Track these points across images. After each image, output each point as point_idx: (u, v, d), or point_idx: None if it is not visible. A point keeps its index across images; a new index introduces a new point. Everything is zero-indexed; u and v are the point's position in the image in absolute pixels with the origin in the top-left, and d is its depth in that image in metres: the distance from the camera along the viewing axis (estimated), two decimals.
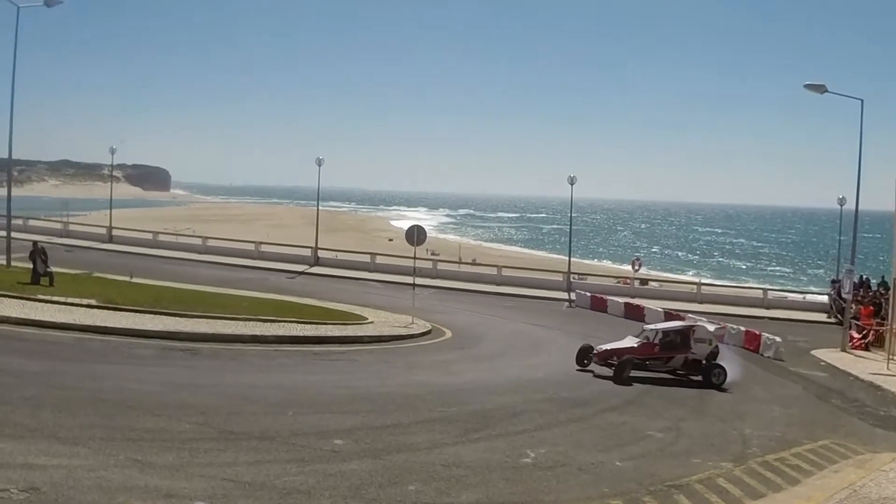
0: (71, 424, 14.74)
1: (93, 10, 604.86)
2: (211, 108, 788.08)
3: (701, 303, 56.15)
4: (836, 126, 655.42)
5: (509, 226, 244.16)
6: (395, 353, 30.36)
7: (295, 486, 12.85)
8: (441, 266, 65.33)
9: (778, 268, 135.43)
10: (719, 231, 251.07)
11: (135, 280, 41.38)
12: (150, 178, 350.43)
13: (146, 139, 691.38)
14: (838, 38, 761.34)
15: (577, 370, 29.78)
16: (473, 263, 75.29)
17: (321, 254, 67.41)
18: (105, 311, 29.52)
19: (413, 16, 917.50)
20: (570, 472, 15.97)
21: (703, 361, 30.23)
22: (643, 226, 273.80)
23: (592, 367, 29.71)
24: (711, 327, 32.61)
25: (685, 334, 30.71)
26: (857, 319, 42.54)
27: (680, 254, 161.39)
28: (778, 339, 38.51)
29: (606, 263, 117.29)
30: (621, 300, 52.47)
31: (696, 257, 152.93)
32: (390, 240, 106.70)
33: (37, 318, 26.46)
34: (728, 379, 29.65)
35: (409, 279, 45.31)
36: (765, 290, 63.46)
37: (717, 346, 31.26)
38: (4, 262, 41.46)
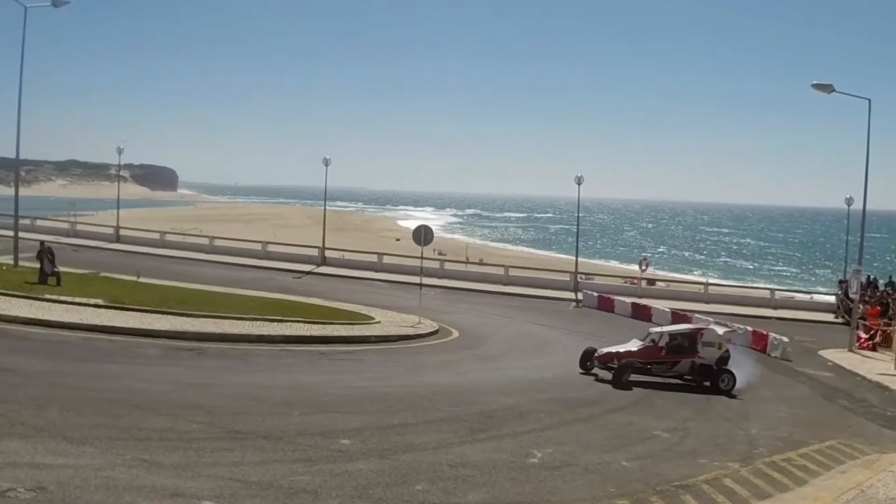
0: (78, 424, 14.76)
1: (99, 11, 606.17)
2: (218, 108, 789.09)
3: (708, 303, 56.10)
4: (843, 126, 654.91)
5: (516, 226, 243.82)
6: (401, 353, 30.37)
7: (301, 485, 12.85)
8: (448, 266, 65.35)
9: (785, 268, 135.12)
10: (726, 231, 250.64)
11: (142, 280, 41.45)
12: (157, 177, 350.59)
13: (153, 139, 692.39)
14: (844, 39, 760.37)
15: (581, 373, 29.20)
16: (480, 263, 75.22)
17: (328, 253, 67.42)
18: (112, 310, 29.57)
19: (419, 16, 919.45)
20: (577, 472, 15.96)
21: (713, 366, 29.05)
22: (650, 226, 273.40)
23: (596, 370, 29.16)
24: (721, 330, 31.29)
25: (692, 337, 29.63)
26: (865, 319, 42.47)
27: (686, 254, 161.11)
28: (785, 339, 38.46)
29: (613, 263, 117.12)
30: (628, 300, 52.41)
31: (703, 257, 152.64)
32: (397, 240, 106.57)
33: (44, 317, 26.51)
34: (741, 384, 28.75)
35: (415, 279, 45.36)
36: (772, 290, 63.32)
37: (727, 351, 29.73)
38: (12, 262, 41.52)
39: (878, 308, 43.31)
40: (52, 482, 11.36)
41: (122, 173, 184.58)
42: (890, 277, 50.59)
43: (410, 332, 34.85)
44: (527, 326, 42.24)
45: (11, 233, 45.21)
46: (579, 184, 62.34)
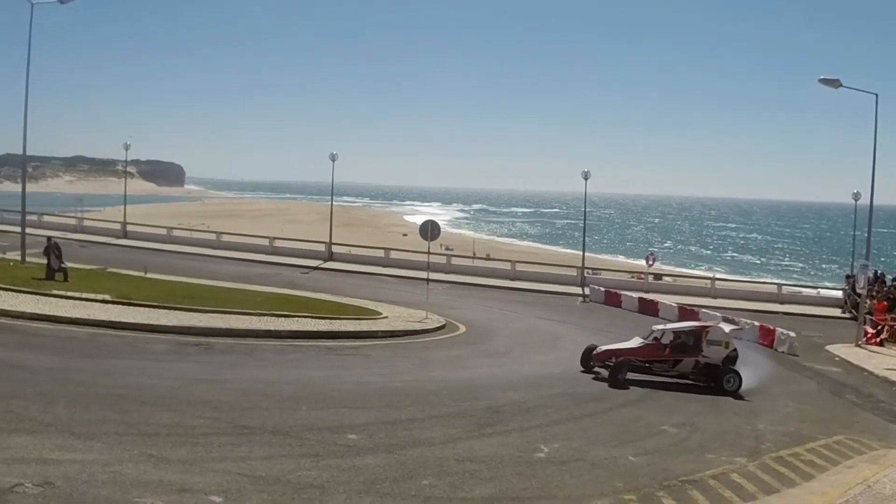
0: (85, 419, 14.80)
1: (106, 9, 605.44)
2: (225, 104, 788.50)
3: (715, 298, 56.02)
4: (849, 122, 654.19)
5: (523, 221, 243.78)
6: (409, 348, 30.37)
7: (309, 480, 12.87)
8: (455, 261, 65.23)
9: (792, 263, 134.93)
10: (733, 226, 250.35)
11: (149, 275, 41.47)
12: (164, 173, 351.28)
13: (160, 135, 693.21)
14: (849, 36, 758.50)
15: (581, 371, 28.27)
16: (487, 258, 75.24)
17: (335, 249, 67.39)
18: (119, 306, 29.60)
19: (421, 16, 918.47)
20: (584, 466, 15.97)
21: (719, 366, 27.77)
22: (656, 220, 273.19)
23: (597, 368, 28.13)
24: (728, 328, 30.12)
25: (697, 335, 28.43)
26: (872, 315, 42.39)
27: (693, 248, 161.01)
28: (792, 334, 38.38)
29: (620, 258, 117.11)
30: (635, 295, 52.35)
31: (710, 252, 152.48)
32: (404, 235, 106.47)
33: (51, 313, 26.53)
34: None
35: (423, 274, 45.39)
36: (779, 284, 63.12)
37: (734, 350, 28.28)
38: (19, 258, 41.55)
39: (886, 303, 43.22)
40: (59, 477, 11.39)
41: (128, 169, 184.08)
42: None
43: (417, 327, 34.84)
44: (534, 321, 42.23)
45: (19, 229, 45.22)
46: (586, 179, 62.40)
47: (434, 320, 36.59)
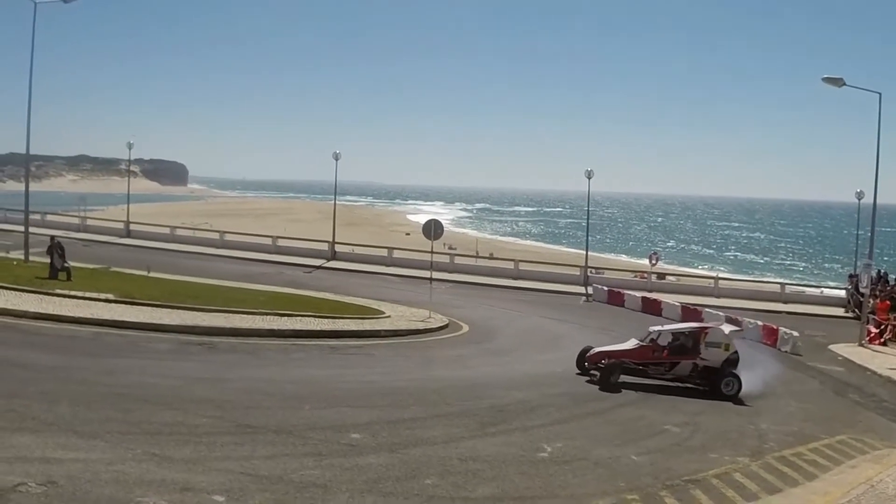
0: (88, 418, 14.82)
1: (109, 7, 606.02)
2: (227, 103, 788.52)
3: (718, 297, 55.99)
4: (853, 121, 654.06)
5: (526, 220, 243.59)
6: (412, 348, 30.36)
7: (312, 479, 12.89)
8: (458, 260, 65.19)
9: (795, 262, 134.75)
10: (736, 225, 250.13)
11: (152, 274, 41.52)
12: (168, 172, 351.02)
13: (163, 134, 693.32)
14: (853, 34, 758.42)
15: (577, 374, 27.22)
16: (490, 258, 75.14)
17: (338, 248, 67.35)
18: (122, 305, 29.61)
19: (429, 13, 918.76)
20: (587, 466, 15.98)
21: (719, 369, 26.69)
22: (659, 220, 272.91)
23: (594, 371, 27.11)
24: (727, 329, 28.63)
25: (694, 337, 27.34)
26: (875, 314, 42.35)
27: (695, 248, 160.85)
28: (795, 333, 38.32)
29: (623, 258, 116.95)
30: (638, 294, 52.26)
31: (713, 251, 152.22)
32: (407, 234, 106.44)
33: (54, 312, 26.55)
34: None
35: (426, 273, 45.39)
36: (782, 284, 63.00)
37: (735, 353, 27.11)
38: (22, 257, 41.59)
39: (889, 302, 43.18)
40: (62, 476, 11.40)
41: (132, 168, 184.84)
42: None
43: (421, 326, 34.83)
44: (537, 321, 42.21)
45: (22, 228, 45.33)
46: (589, 178, 62.32)
47: (437, 319, 36.59)
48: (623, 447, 18.07)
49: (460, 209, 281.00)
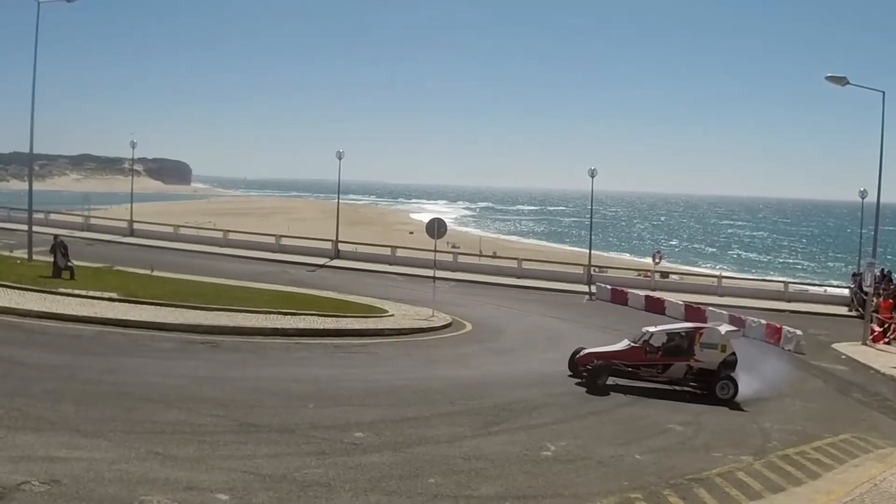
0: (92, 417, 14.83)
1: (112, 7, 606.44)
2: (232, 102, 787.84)
3: (721, 296, 55.82)
4: (857, 119, 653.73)
5: (529, 219, 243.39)
6: (415, 346, 30.34)
7: (315, 478, 12.89)
8: (461, 259, 65.13)
9: (798, 261, 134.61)
10: (739, 224, 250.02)
11: (156, 273, 41.51)
12: (171, 171, 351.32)
13: (167, 133, 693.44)
14: (857, 32, 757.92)
15: (569, 375, 26.47)
16: (494, 256, 75.04)
17: (341, 247, 67.28)
18: (126, 304, 29.61)
19: (433, 12, 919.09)
20: (590, 465, 15.99)
21: (716, 371, 25.85)
22: (663, 218, 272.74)
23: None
24: (724, 329, 27.42)
25: (689, 338, 26.45)
26: (878, 313, 42.30)
27: (698, 246, 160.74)
28: (799, 332, 38.28)
29: (626, 256, 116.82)
30: (642, 293, 52.21)
31: (716, 250, 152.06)
32: (411, 233, 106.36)
33: (58, 311, 26.57)
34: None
35: (429, 272, 45.31)
36: (785, 282, 63.02)
37: (733, 354, 26.15)
38: (26, 256, 41.61)
39: (892, 301, 43.10)
40: (65, 475, 11.42)
41: (135, 167, 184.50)
42: None
43: (424, 325, 34.80)
44: (540, 319, 42.20)
45: (25, 227, 45.36)
46: (593, 177, 62.08)
47: (440, 318, 36.57)
48: (626, 446, 18.08)
49: (463, 208, 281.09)
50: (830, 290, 64.73)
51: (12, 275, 32.93)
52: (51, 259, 36.00)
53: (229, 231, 72.57)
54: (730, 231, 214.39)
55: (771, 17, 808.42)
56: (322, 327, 30.61)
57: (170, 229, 73.18)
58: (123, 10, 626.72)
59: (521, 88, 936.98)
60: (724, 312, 43.59)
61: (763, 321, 41.35)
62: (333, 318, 32.55)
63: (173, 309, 29.73)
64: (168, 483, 11.77)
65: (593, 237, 70.57)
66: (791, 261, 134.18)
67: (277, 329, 28.97)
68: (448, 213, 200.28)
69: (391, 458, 14.68)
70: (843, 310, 53.59)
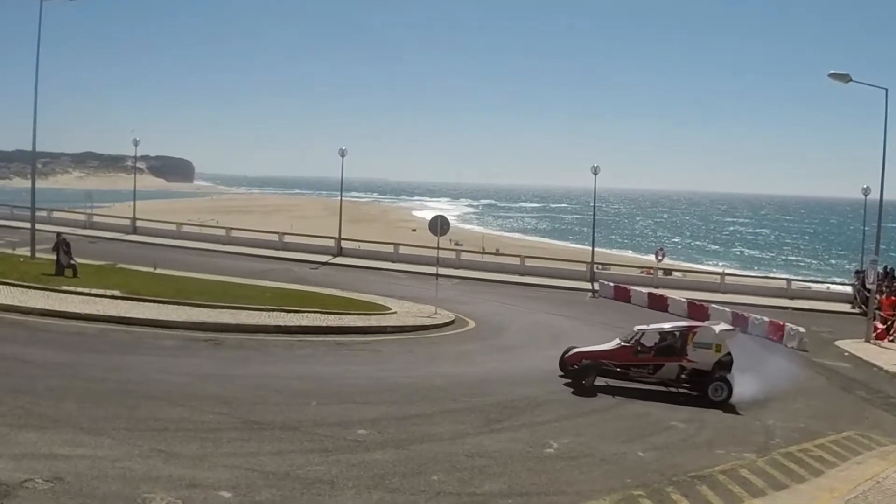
0: (95, 415, 14.85)
1: (115, 5, 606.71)
2: (234, 101, 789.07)
3: (724, 293, 55.77)
4: (860, 116, 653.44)
5: (531, 216, 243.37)
6: (418, 344, 30.34)
7: (318, 475, 12.91)
8: (464, 256, 65.19)
9: (801, 258, 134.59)
10: (742, 221, 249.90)
11: (158, 271, 41.53)
12: (174, 169, 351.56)
13: (170, 131, 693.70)
14: (860, 29, 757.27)
15: (560, 375, 25.53)
16: (497, 254, 75.09)
17: (344, 244, 67.31)
18: (129, 301, 29.61)
19: (435, 10, 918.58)
20: (593, 462, 16.01)
21: (710, 372, 24.81)
22: (665, 216, 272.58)
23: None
24: (718, 328, 26.32)
25: (682, 337, 25.41)
26: (881, 310, 42.24)
27: (699, 243, 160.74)
28: (801, 329, 38.24)
29: (629, 253, 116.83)
30: (645, 290, 52.18)
31: (719, 247, 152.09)
32: (413, 230, 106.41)
33: (61, 309, 26.58)
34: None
35: (432, 269, 45.29)
36: (788, 280, 63.02)
37: (728, 354, 25.10)
38: (29, 254, 41.62)
39: (894, 298, 43.03)
40: (69, 473, 11.44)
41: (138, 165, 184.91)
42: None
43: (427, 322, 34.79)
44: (543, 317, 42.16)
45: (28, 225, 45.29)
46: (595, 174, 61.97)
47: (443, 315, 36.54)
48: (629, 443, 18.11)
49: (466, 205, 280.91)
50: (833, 287, 64.62)
51: (15, 272, 32.95)
52: (54, 257, 35.99)
53: (232, 228, 72.62)
54: (732, 228, 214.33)
55: (773, 13, 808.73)
56: (325, 325, 30.61)
57: (173, 227, 73.15)
58: (126, 8, 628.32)
59: (523, 86, 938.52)
60: (727, 310, 43.58)
61: (766, 318, 41.34)
62: (336, 316, 32.56)
63: (176, 307, 29.73)
64: (171, 480, 11.79)
65: (596, 234, 70.54)
66: (794, 258, 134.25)
67: (280, 326, 28.97)
68: (451, 210, 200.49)
69: (394, 455, 14.70)
70: (847, 307, 53.53)
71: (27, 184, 53.24)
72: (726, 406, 23.97)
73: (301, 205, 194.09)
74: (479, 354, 29.52)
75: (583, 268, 62.56)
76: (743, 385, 24.94)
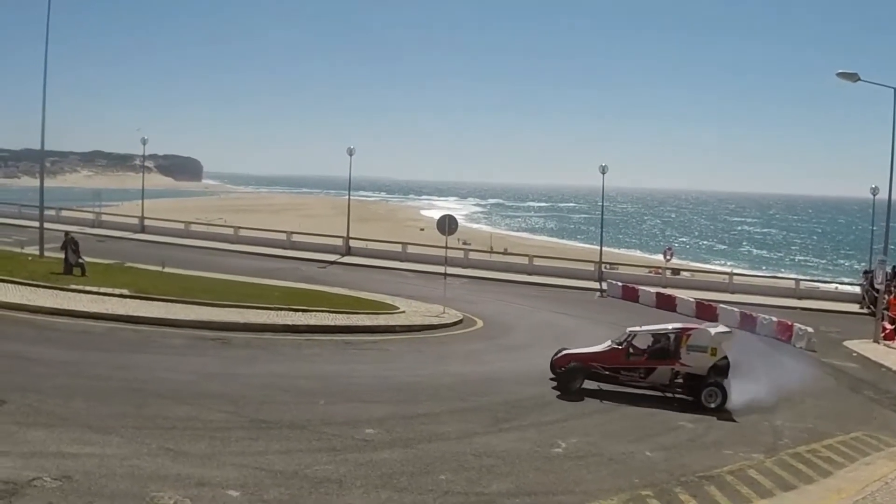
0: (103, 413, 14.88)
1: (125, 3, 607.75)
2: (242, 99, 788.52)
3: (733, 293, 55.69)
4: (868, 116, 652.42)
5: (539, 215, 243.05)
6: (426, 343, 30.35)
7: (326, 474, 12.93)
8: (472, 256, 65.14)
9: (809, 258, 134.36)
10: (750, 220, 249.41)
11: (166, 270, 41.52)
12: (182, 168, 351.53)
13: (177, 130, 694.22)
14: (869, 28, 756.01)
15: (550, 378, 24.64)
16: (505, 253, 74.99)
17: (352, 243, 67.27)
18: (137, 300, 29.65)
19: (444, 9, 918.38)
20: (601, 462, 16.01)
21: (705, 376, 23.66)
22: (673, 215, 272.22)
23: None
24: (714, 331, 24.84)
25: (675, 339, 24.39)
26: (890, 310, 42.15)
27: (708, 243, 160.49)
28: (810, 329, 38.15)
29: (637, 253, 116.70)
30: (653, 290, 52.08)
31: (726, 247, 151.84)
32: (421, 229, 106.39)
33: (69, 307, 26.64)
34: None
35: (440, 269, 45.26)
36: (797, 280, 62.92)
37: (724, 358, 23.90)
38: (37, 253, 41.66)
39: None
40: (77, 471, 11.46)
41: (146, 164, 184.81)
42: None
43: (435, 321, 34.79)
44: (551, 316, 42.12)
45: (37, 224, 45.40)
46: (604, 173, 61.93)
47: (451, 315, 36.53)
48: (637, 443, 18.10)
49: (473, 204, 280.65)
50: (842, 287, 64.55)
51: (24, 271, 33.01)
52: (62, 256, 36.04)
53: (240, 227, 72.61)
54: (740, 228, 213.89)
55: (780, 13, 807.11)
56: (333, 324, 30.61)
57: (181, 226, 73.11)
58: (134, 6, 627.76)
59: (529, 85, 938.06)
60: (736, 310, 43.51)
61: (774, 318, 41.26)
62: (344, 315, 32.56)
63: (184, 305, 29.77)
64: (179, 479, 11.81)
65: (604, 234, 70.46)
66: (802, 258, 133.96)
67: (288, 325, 29.01)
68: (458, 209, 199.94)
69: (402, 454, 14.72)
70: (855, 307, 53.44)
71: (35, 183, 53.46)
72: (719, 413, 22.83)
73: (309, 204, 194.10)
74: (487, 354, 29.53)
75: (591, 267, 62.47)
76: (752, 388, 24.42)
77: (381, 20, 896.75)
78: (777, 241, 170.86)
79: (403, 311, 36.19)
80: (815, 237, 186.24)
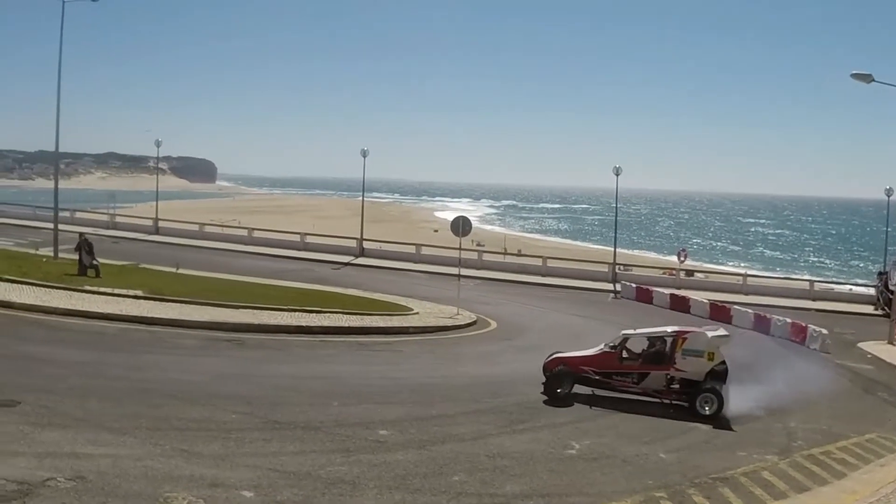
0: (117, 414, 14.91)
1: (138, 5, 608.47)
2: (256, 101, 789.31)
3: (747, 294, 55.55)
4: (883, 117, 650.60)
5: (552, 216, 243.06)
6: (440, 344, 30.34)
7: (340, 475, 12.93)
8: (486, 257, 65.06)
9: (823, 259, 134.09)
10: (763, 222, 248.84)
11: (180, 271, 41.61)
12: (196, 169, 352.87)
13: (192, 132, 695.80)
14: (883, 28, 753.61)
15: (542, 382, 23.14)
16: (518, 255, 75.02)
17: (366, 245, 67.28)
18: (151, 301, 29.71)
19: (455, 9, 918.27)
20: (615, 463, 15.99)
21: (701, 382, 22.62)
22: (686, 217, 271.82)
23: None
24: (711, 334, 23.63)
25: (671, 342, 23.37)
26: None
27: (721, 244, 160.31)
28: (824, 331, 38.01)
29: (650, 254, 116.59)
30: (667, 291, 51.97)
31: (740, 248, 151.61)
32: (435, 231, 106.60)
33: (83, 308, 26.71)
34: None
35: (454, 270, 45.24)
36: (811, 281, 62.78)
37: (722, 363, 22.97)
38: (52, 254, 41.78)
39: None
40: (91, 472, 11.49)
41: (160, 166, 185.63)
42: None
43: (448, 323, 34.78)
44: (565, 317, 42.08)
45: (51, 225, 45.48)
46: (617, 175, 61.76)
47: (465, 316, 36.51)
48: (651, 445, 18.08)
49: (487, 206, 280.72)
50: (856, 288, 64.34)
51: (38, 272, 33.13)
52: (76, 257, 36.15)
53: (254, 229, 72.69)
54: (754, 229, 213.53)
55: (795, 13, 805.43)
56: (347, 325, 30.65)
57: (195, 227, 73.23)
58: (149, 8, 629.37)
59: (543, 86, 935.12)
60: (750, 311, 43.43)
61: (788, 320, 41.15)
62: (358, 316, 32.58)
63: (198, 306, 29.82)
64: (193, 480, 11.83)
65: (617, 235, 70.37)
66: (816, 259, 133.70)
67: (302, 327, 29.03)
68: (472, 211, 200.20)
69: (416, 455, 14.72)
70: (869, 308, 53.24)
71: (50, 184, 53.47)
72: (714, 421, 21.69)
73: (322, 205, 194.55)
74: (501, 355, 29.55)
75: (605, 269, 62.40)
76: (765, 390, 23.91)
77: (398, 20, 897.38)
78: (791, 243, 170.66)
79: (417, 313, 36.20)
80: (829, 238, 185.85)
